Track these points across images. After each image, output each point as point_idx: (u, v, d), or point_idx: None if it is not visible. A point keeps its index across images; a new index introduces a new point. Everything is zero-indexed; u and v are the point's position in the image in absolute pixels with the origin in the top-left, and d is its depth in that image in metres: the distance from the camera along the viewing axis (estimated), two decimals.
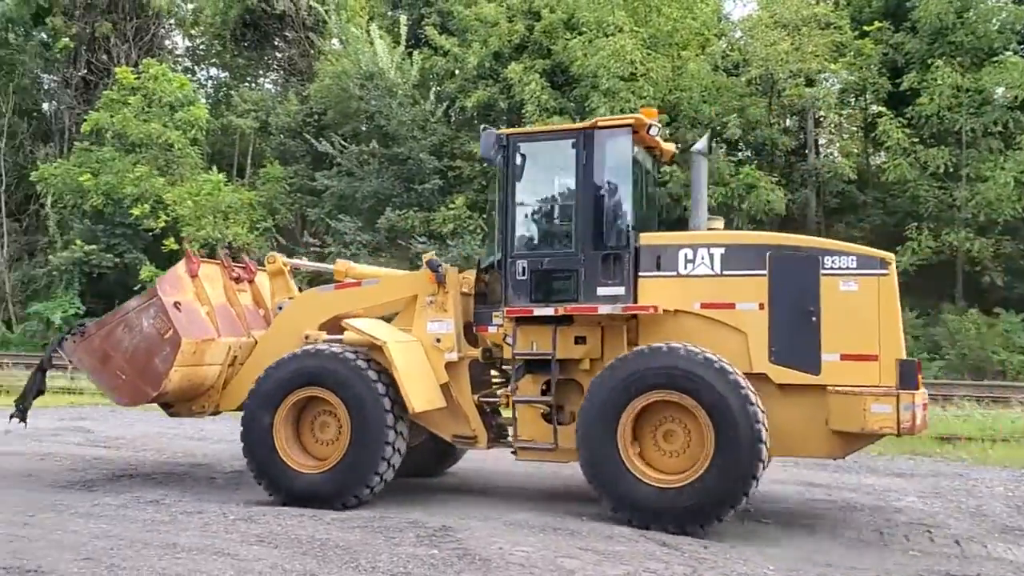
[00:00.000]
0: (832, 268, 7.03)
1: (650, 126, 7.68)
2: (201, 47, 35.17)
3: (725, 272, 7.27)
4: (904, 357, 6.88)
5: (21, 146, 31.04)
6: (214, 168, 26.84)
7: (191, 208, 25.37)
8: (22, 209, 31.44)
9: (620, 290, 7.39)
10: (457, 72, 26.08)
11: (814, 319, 6.99)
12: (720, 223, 8.23)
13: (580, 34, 23.30)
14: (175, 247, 25.34)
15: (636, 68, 22.12)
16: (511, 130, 8.10)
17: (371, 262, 24.23)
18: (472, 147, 24.57)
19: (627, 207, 7.62)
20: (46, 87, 33.27)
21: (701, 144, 8.16)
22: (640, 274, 7.44)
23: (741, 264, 7.25)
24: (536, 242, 7.99)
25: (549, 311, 7.52)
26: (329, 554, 6.24)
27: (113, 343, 8.45)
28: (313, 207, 26.81)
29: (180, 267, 8.90)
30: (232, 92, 31.88)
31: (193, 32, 33.94)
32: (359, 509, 7.58)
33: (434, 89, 25.67)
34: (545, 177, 8.11)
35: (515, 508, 7.86)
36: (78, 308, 26.81)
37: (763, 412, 6.68)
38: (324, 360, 7.74)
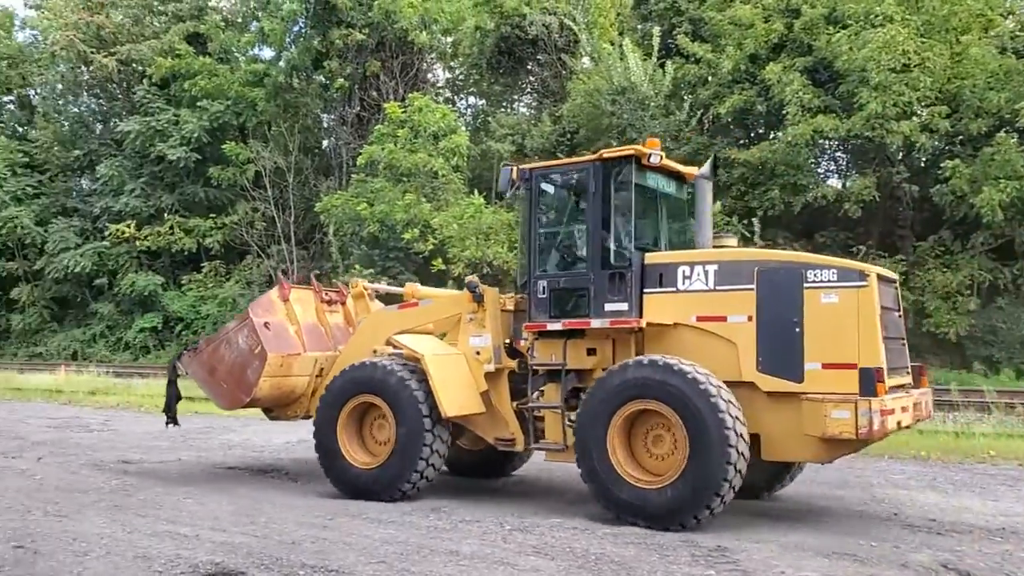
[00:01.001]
0: (814, 281, 7.37)
1: (650, 155, 8.20)
2: (460, 77, 36.96)
3: (718, 287, 7.77)
4: (880, 365, 7.07)
5: (306, 180, 34.04)
6: (475, 192, 27.96)
7: (456, 231, 26.57)
8: (308, 237, 34.44)
9: (624, 306, 7.99)
10: (710, 78, 25.46)
11: (797, 330, 7.34)
12: (733, 240, 8.92)
13: (844, 27, 21.92)
14: (442, 267, 26.62)
15: (909, 59, 20.45)
16: (529, 165, 8.93)
17: None
18: (729, 153, 23.89)
19: (631, 230, 8.17)
20: (325, 125, 36.29)
21: (705, 169, 8.67)
22: (645, 291, 8.04)
23: (732, 279, 7.71)
24: (554, 264, 8.75)
25: (558, 325, 8.30)
26: (604, 569, 6.14)
27: (217, 357, 10.04)
28: None
29: (273, 292, 10.43)
30: (489, 118, 33.13)
31: (452, 64, 35.74)
32: (633, 526, 7.49)
33: (687, 98, 25.20)
34: (561, 205, 9.03)
35: (788, 529, 7.50)
36: None
37: (734, 417, 7.10)
38: (374, 371, 8.88)
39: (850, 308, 7.27)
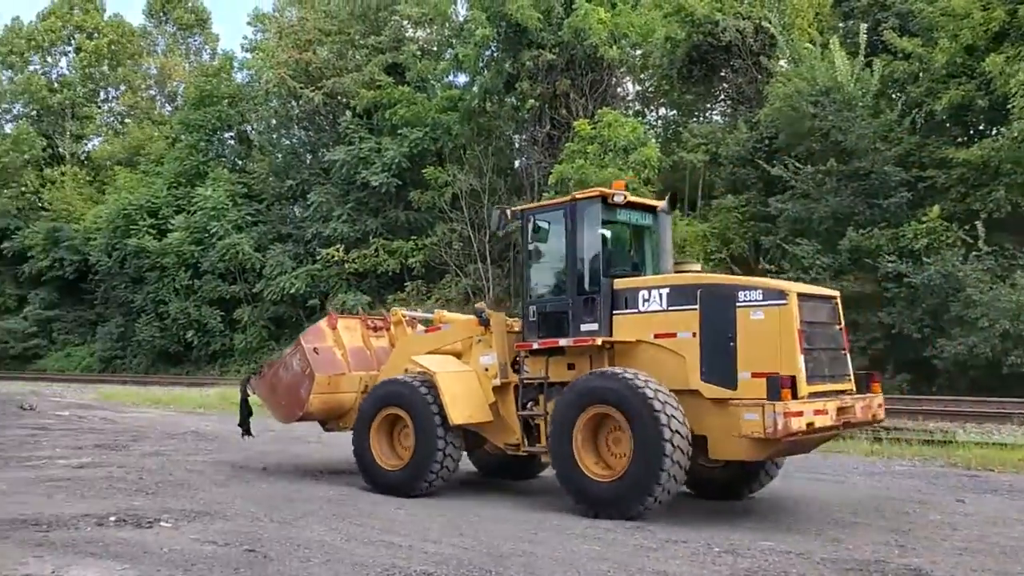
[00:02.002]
0: (745, 301, 8.28)
1: (614, 195, 9.33)
2: (650, 89, 36.58)
3: (670, 308, 8.77)
4: (794, 373, 7.94)
5: (500, 201, 34.70)
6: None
7: None
8: (503, 256, 35.07)
9: (595, 326, 9.14)
10: (922, 74, 23.80)
11: (731, 344, 8.25)
12: (697, 266, 10.12)
13: None
14: None
15: None
16: (520, 207, 10.33)
17: (832, 286, 22.88)
18: (946, 152, 22.22)
19: (601, 260, 9.29)
20: (517, 146, 36.90)
21: (664, 204, 9.87)
22: (614, 312, 9.12)
23: (680, 301, 8.69)
24: (542, 291, 9.97)
25: (536, 345, 9.51)
26: None
27: (277, 379, 11.76)
28: (767, 234, 26.17)
29: (323, 322, 12.10)
30: (681, 128, 32.57)
31: (642, 76, 35.44)
32: (849, 551, 7.12)
33: (898, 96, 23.68)
34: (546, 241, 9.98)
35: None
36: None
37: (669, 416, 8.05)
38: (397, 387, 10.29)
39: (773, 323, 8.17)
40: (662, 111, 37.87)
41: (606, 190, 9.44)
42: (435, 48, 38.67)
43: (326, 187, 38.13)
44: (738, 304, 8.34)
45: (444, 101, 34.68)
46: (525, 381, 9.80)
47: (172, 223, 42.59)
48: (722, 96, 33.21)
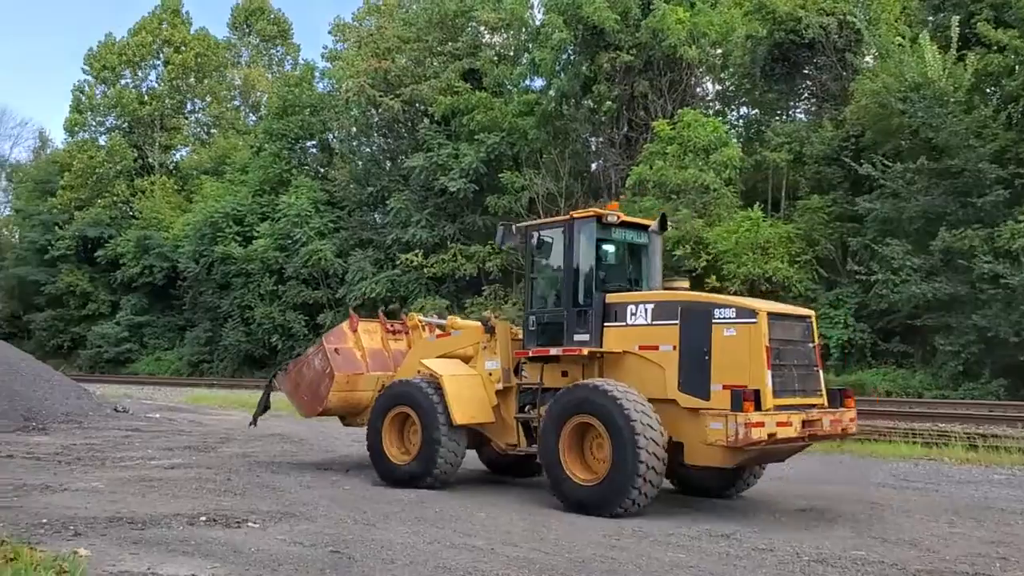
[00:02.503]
0: (719, 318, 8.78)
1: (607, 216, 9.99)
2: (730, 89, 35.99)
3: (653, 322, 9.31)
4: (760, 387, 8.41)
5: (576, 205, 34.51)
6: (755, 206, 26.97)
7: (731, 246, 25.75)
8: None
9: (587, 337, 9.70)
10: (1018, 67, 22.82)
11: (707, 357, 8.76)
12: (686, 283, 10.68)
13: None
14: (717, 285, 25.88)
15: None
16: (524, 223, 11.02)
17: (924, 289, 22.13)
18: None
19: (595, 275, 9.96)
20: (594, 149, 36.70)
21: (654, 224, 10.37)
22: (605, 324, 9.66)
23: (663, 316, 9.24)
24: (541, 303, 10.62)
25: (532, 353, 10.22)
26: None
27: (300, 376, 12.50)
28: (855, 235, 25.46)
29: (344, 325, 12.89)
30: (763, 128, 31.94)
31: (722, 76, 34.89)
32: (947, 564, 6.84)
33: (993, 91, 22.75)
34: (546, 255, 10.49)
35: None
36: None
37: (644, 424, 8.56)
38: (406, 387, 10.90)
39: (744, 340, 8.70)
40: (743, 110, 37.22)
41: (600, 210, 10.22)
42: (512, 53, 38.76)
43: (405, 193, 38.55)
44: (714, 321, 8.92)
45: (521, 105, 34.73)
46: (523, 386, 10.51)
47: (257, 230, 43.66)
48: (805, 94, 32.48)
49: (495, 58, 37.62)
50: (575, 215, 10.19)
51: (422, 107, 38.98)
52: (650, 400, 9.00)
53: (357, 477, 11.72)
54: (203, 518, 8.28)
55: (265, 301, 42.95)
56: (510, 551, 7.29)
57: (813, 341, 9.47)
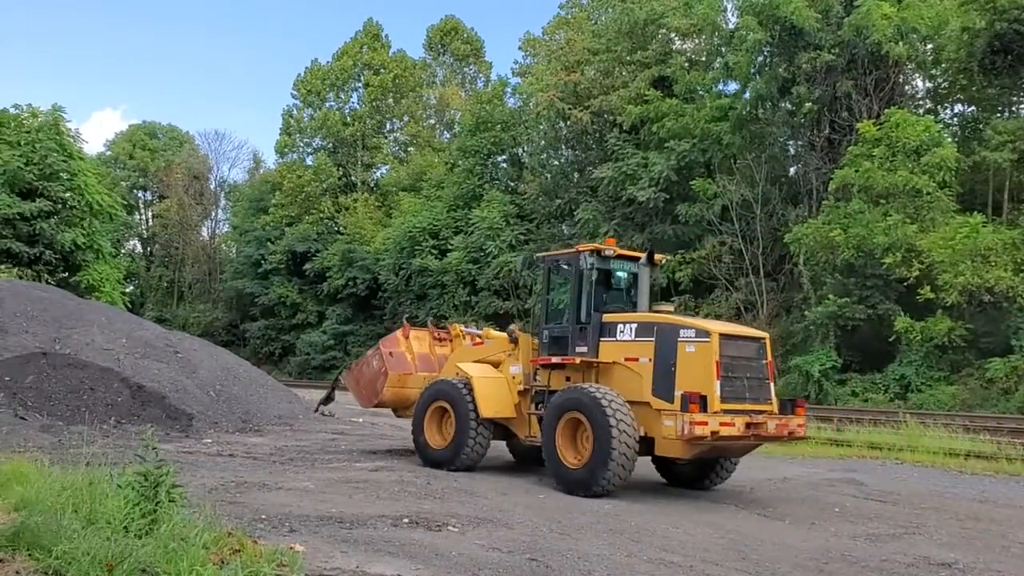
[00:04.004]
0: (683, 337, 10.72)
1: (604, 250, 11.81)
2: (943, 85, 33.53)
3: (637, 339, 11.15)
4: (707, 394, 10.25)
5: (774, 211, 33.30)
6: (975, 210, 24.96)
7: (947, 254, 23.90)
8: (777, 269, 33.57)
9: (585, 349, 11.55)
10: None
11: (673, 368, 10.65)
12: (670, 307, 12.54)
13: None
14: (931, 296, 24.09)
15: None
16: (542, 254, 13.33)
17: None
18: None
19: (593, 298, 11.79)
20: (792, 153, 35.28)
21: (643, 258, 12.42)
22: (601, 339, 11.51)
23: (643, 334, 11.11)
24: (554, 319, 12.43)
25: (542, 361, 12.06)
26: None
27: (361, 373, 14.72)
28: None
29: (398, 332, 15.00)
30: (982, 126, 29.52)
31: (934, 72, 32.57)
32: None
33: None
34: (558, 281, 12.82)
35: None
36: (835, 361, 27.22)
37: (618, 420, 10.39)
38: (444, 386, 12.93)
39: (700, 355, 10.49)
40: (958, 108, 34.57)
41: (600, 245, 12.10)
42: (703, 58, 38.02)
43: (593, 204, 38.59)
44: (679, 339, 10.75)
45: (714, 111, 33.93)
46: (536, 388, 12.30)
47: (451, 243, 45.08)
48: None
49: (686, 64, 36.97)
50: (580, 248, 12.18)
51: (611, 117, 38.92)
52: (631, 402, 10.81)
53: (553, 486, 11.70)
54: (406, 520, 8.47)
55: (459, 311, 44.19)
56: (711, 570, 7.07)
57: (766, 359, 11.26)
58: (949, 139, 28.36)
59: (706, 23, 35.21)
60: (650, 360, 10.90)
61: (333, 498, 9.65)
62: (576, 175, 43.64)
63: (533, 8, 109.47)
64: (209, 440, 15.63)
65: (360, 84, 63.15)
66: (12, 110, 46.06)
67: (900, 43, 28.20)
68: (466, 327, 15.37)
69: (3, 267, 40.12)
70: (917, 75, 33.27)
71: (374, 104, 62.15)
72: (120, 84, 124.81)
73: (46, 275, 41.49)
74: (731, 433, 10.26)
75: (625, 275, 12.61)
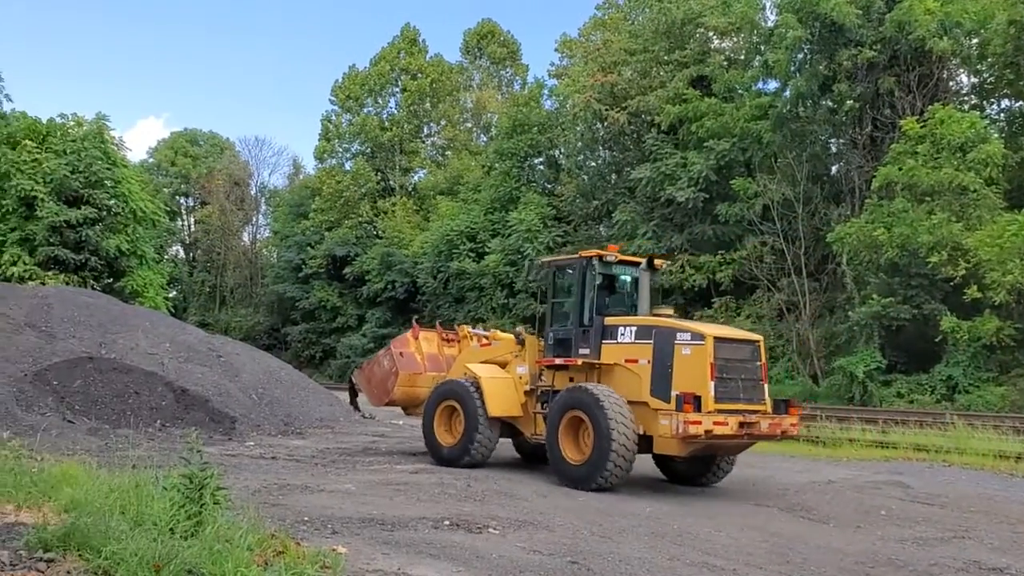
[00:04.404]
0: (680, 340, 11.17)
1: (605, 256, 12.44)
2: (989, 81, 32.83)
3: (636, 341, 11.67)
4: (701, 394, 10.69)
5: (816, 210, 32.88)
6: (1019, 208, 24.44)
7: (994, 252, 23.41)
8: (820, 269, 33.13)
9: (588, 351, 12.06)
10: None
11: (670, 370, 11.13)
12: (670, 310, 13.30)
13: None
14: (978, 295, 23.62)
15: None
16: (547, 259, 14.01)
17: None
18: None
19: (596, 302, 12.29)
20: (834, 151, 34.79)
21: (643, 264, 12.97)
22: (603, 341, 11.99)
23: (642, 336, 11.62)
24: (559, 322, 12.88)
25: (547, 362, 12.65)
26: None
27: (372, 373, 15.23)
28: None
29: (408, 333, 15.67)
30: None
31: (979, 67, 31.92)
32: None
33: None
34: (563, 286, 13.16)
35: None
36: (880, 362, 26.80)
37: (618, 418, 10.93)
38: (453, 385, 13.37)
39: (695, 357, 10.92)
40: (1005, 103, 33.83)
41: (602, 251, 12.64)
42: (742, 57, 37.68)
43: (630, 205, 38.40)
44: (676, 342, 11.17)
45: (753, 109, 33.61)
46: (542, 388, 12.81)
47: (488, 246, 45.15)
48: None
49: (725, 63, 36.67)
50: (583, 254, 12.74)
51: (648, 118, 38.70)
52: (630, 402, 11.27)
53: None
54: (447, 522, 8.49)
55: (496, 313, 44.22)
56: (755, 573, 7.01)
57: (760, 360, 11.68)
58: (996, 135, 27.81)
59: (744, 21, 34.88)
60: (648, 362, 11.40)
61: (374, 500, 9.70)
62: (613, 176, 43.46)
63: (569, 10, 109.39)
64: (252, 443, 15.81)
65: (398, 89, 63.50)
66: (58, 119, 47.12)
67: (944, 38, 27.68)
68: (473, 328, 15.91)
69: (50, 273, 41.01)
70: (962, 70, 32.67)
71: (411, 109, 62.47)
72: (163, 92, 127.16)
73: (92, 281, 42.26)
74: (725, 432, 10.75)
75: (627, 280, 13.22)
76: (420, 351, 15.19)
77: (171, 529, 5.76)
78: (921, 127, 26.44)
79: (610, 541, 8.05)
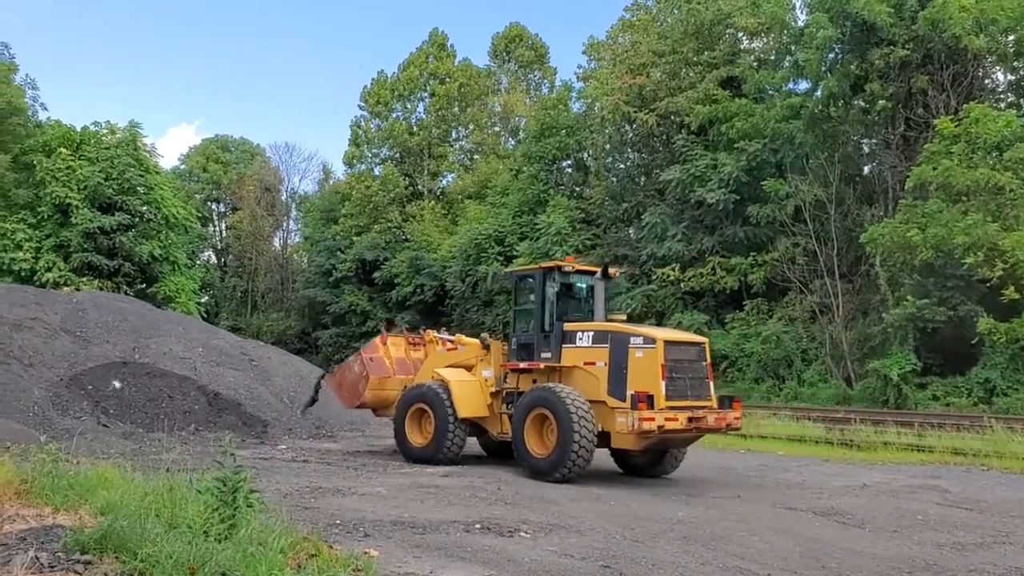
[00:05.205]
0: (633, 343, 12.25)
1: (563, 267, 13.60)
2: None
3: (593, 345, 12.72)
4: (653, 393, 11.75)
5: (848, 211, 32.52)
6: None
7: None
8: (853, 270, 32.76)
9: (550, 354, 13.08)
10: None
11: (625, 371, 12.16)
12: (623, 316, 14.76)
13: None
14: (1015, 297, 23.23)
15: None
16: (510, 269, 16.28)
17: None
18: None
19: (556, 308, 13.35)
20: (866, 151, 34.42)
21: (598, 273, 13.76)
22: (563, 346, 12.99)
23: (599, 341, 12.67)
24: (522, 328, 13.83)
25: (511, 366, 13.66)
26: None
27: (343, 377, 15.97)
28: None
29: (377, 339, 16.29)
30: None
31: (1016, 64, 31.43)
32: None
33: None
34: (526, 294, 14.19)
35: None
36: (915, 364, 26.43)
37: (580, 415, 11.93)
38: (424, 389, 14.12)
39: (647, 359, 11.98)
40: None
41: (560, 262, 13.87)
42: (772, 57, 37.37)
43: (660, 207, 38.20)
44: (630, 345, 12.22)
45: (784, 110, 33.26)
46: (507, 390, 13.66)
47: (516, 249, 45.08)
48: None
49: (754, 63, 36.38)
50: (543, 265, 13.92)
51: (677, 119, 38.50)
52: (590, 401, 12.20)
53: (622, 492, 11.60)
54: (477, 525, 8.48)
55: None
56: None
57: (705, 361, 12.74)
58: None
59: (774, 21, 34.57)
60: (605, 364, 12.37)
61: (406, 503, 9.72)
62: (643, 178, 43.26)
63: (597, 13, 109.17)
64: (284, 446, 15.94)
65: (426, 94, 63.72)
66: (92, 127, 47.83)
67: (980, 35, 27.26)
68: (438, 333, 16.72)
69: (85, 279, 41.61)
70: (998, 68, 32.17)
71: (440, 113, 62.64)
72: (195, 99, 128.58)
73: (125, 286, 42.85)
74: (675, 427, 11.84)
75: (583, 288, 14.15)
76: (389, 356, 15.98)
77: (205, 532, 5.79)
78: (956, 126, 26.07)
79: (642, 545, 7.99)
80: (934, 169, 25.74)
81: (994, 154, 25.18)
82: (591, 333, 12.82)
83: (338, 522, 8.24)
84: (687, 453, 13.72)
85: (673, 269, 35.93)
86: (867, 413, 23.11)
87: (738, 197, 34.34)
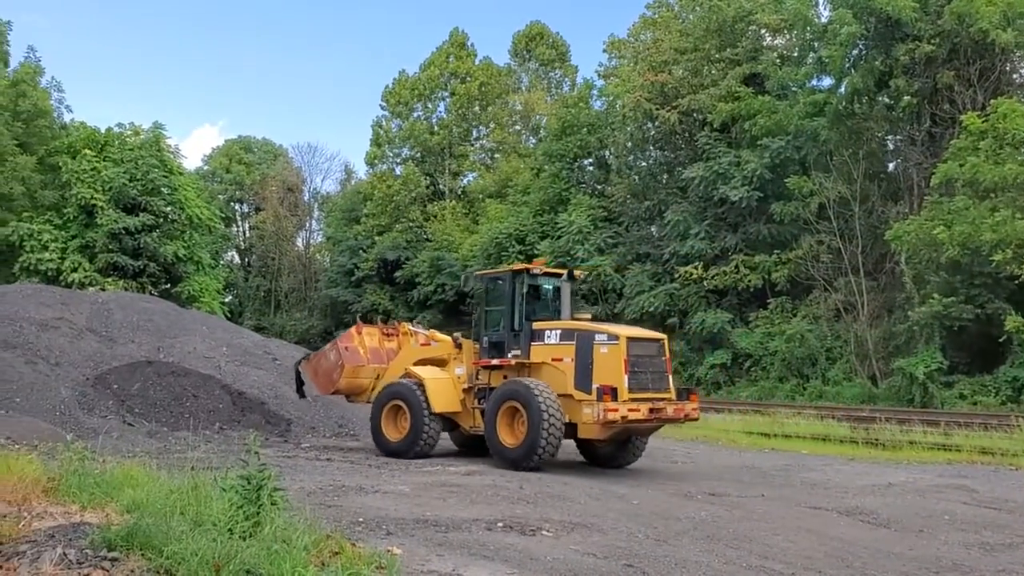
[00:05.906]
0: (598, 340, 13.11)
1: (531, 270, 14.59)
2: None
3: (560, 342, 13.56)
4: (616, 386, 12.59)
5: (873, 208, 32.23)
6: None
7: None
8: (878, 268, 32.47)
9: (519, 352, 13.85)
10: None
11: (590, 366, 12.98)
12: (588, 315, 16.14)
13: None
14: None
15: None
16: (481, 271, 16.68)
17: None
18: None
19: (524, 310, 14.17)
20: (891, 147, 34.10)
21: (564, 276, 14.94)
22: (533, 343, 13.79)
23: (566, 338, 13.51)
24: (492, 327, 14.61)
25: (483, 363, 14.34)
26: None
27: (319, 364, 16.36)
28: None
29: (352, 329, 16.65)
30: None
31: None
32: None
33: None
34: (496, 295, 14.87)
35: None
36: (941, 363, 26.16)
37: (548, 407, 12.73)
38: (400, 387, 14.66)
39: (611, 355, 12.87)
40: None
41: (529, 264, 14.94)
42: (796, 53, 37.12)
43: (683, 205, 38.03)
44: (594, 342, 13.04)
45: (808, 107, 33.02)
46: (478, 386, 14.35)
47: (537, 248, 45.00)
48: None
49: (777, 60, 36.13)
50: (513, 268, 14.79)
51: (700, 116, 38.32)
52: (558, 394, 12.96)
53: (646, 491, 11.57)
54: (500, 524, 8.47)
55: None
56: None
57: (664, 356, 13.61)
58: None
59: (797, 18, 34.30)
60: (572, 360, 13.18)
61: (428, 502, 9.73)
62: (665, 176, 43.08)
63: (618, 10, 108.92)
64: (307, 445, 16.01)
65: (447, 93, 63.78)
66: (116, 129, 48.29)
67: (1007, 30, 26.92)
68: (413, 326, 17.26)
69: (110, 279, 42.03)
70: None
71: (460, 112, 62.70)
72: (218, 100, 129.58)
73: (150, 286, 43.22)
74: (638, 417, 12.66)
75: (550, 289, 15.00)
76: (363, 345, 16.44)
77: (230, 529, 5.83)
78: (983, 122, 25.77)
79: (666, 544, 7.97)
80: (961, 166, 25.45)
81: (1023, 150, 24.84)
82: (559, 331, 13.64)
83: (361, 520, 8.26)
84: (697, 453, 14.64)
85: (696, 267, 35.77)
86: (892, 412, 22.89)
87: (761, 194, 34.14)
